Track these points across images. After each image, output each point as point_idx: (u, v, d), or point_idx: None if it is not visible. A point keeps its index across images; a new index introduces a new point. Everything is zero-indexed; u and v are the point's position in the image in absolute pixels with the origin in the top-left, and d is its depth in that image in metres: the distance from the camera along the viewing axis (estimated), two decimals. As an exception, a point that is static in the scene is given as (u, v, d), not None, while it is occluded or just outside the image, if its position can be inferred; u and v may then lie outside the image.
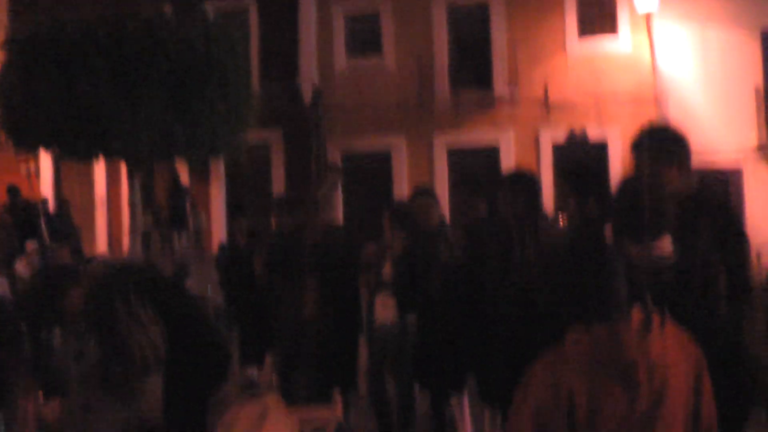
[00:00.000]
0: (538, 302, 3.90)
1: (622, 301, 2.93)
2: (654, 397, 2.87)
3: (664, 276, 3.66)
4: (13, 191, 18.86)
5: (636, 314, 2.96)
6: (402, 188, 20.76)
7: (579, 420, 2.79)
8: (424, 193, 7.72)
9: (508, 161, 19.59)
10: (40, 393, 5.51)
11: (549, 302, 2.93)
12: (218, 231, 22.14)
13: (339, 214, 20.08)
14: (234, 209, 9.01)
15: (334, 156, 21.28)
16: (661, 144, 4.00)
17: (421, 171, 20.91)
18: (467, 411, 6.96)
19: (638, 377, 2.84)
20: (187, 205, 20.63)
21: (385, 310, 7.29)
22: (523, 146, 20.30)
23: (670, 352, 2.92)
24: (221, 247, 11.20)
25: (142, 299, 5.30)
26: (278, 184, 21.92)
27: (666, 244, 3.81)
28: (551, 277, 2.90)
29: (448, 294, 6.42)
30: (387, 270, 7.24)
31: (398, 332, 7.30)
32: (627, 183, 4.05)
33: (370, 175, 21.37)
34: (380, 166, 21.67)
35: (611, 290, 2.90)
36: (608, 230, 3.85)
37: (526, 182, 5.73)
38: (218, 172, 22.61)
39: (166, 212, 20.82)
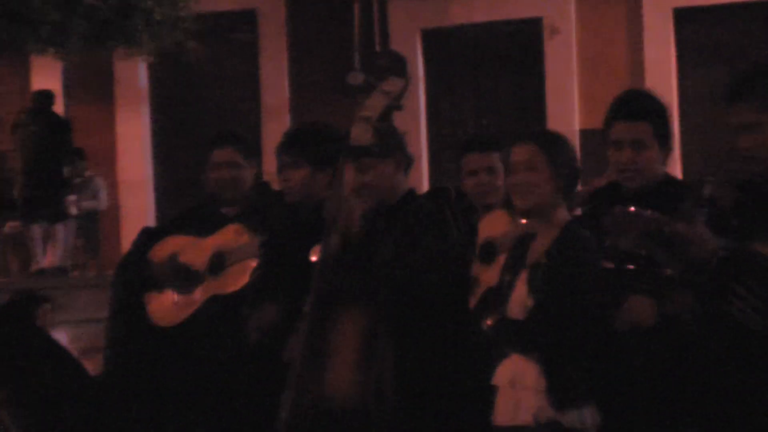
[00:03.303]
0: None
1: None
2: None
3: None
4: None
5: None
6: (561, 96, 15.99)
7: None
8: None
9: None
10: None
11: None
12: (148, 213, 17.08)
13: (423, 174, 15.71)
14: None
15: (406, 41, 16.05)
16: None
17: (611, 55, 15.91)
18: None
19: None
20: (65, 167, 15.94)
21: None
22: None
23: None
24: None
25: None
26: (271, 100, 17.18)
27: None
28: None
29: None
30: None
31: None
32: None
33: (489, 69, 16.81)
34: (514, 50, 16.80)
35: None
36: None
37: None
38: (133, 81, 17.66)
39: (18, 183, 16.23)
